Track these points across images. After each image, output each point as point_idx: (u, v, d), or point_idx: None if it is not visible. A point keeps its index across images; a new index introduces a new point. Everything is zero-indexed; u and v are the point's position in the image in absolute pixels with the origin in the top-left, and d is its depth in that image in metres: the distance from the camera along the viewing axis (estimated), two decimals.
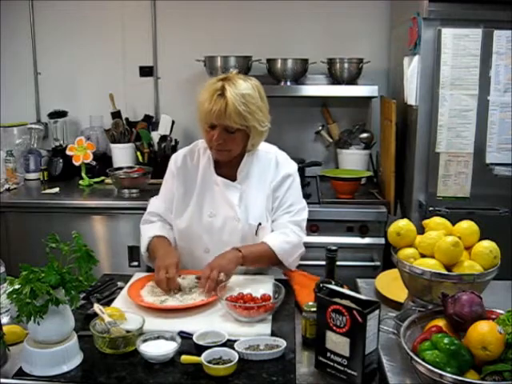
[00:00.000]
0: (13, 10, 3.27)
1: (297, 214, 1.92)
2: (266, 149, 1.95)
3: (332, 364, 1.29)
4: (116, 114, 3.19)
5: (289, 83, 2.97)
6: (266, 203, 1.89)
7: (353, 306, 1.25)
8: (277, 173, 1.92)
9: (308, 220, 2.69)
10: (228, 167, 1.89)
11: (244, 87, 1.75)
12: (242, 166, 1.88)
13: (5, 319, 1.51)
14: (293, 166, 1.97)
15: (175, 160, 1.97)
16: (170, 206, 1.94)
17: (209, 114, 1.73)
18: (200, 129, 1.84)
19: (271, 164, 1.92)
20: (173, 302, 1.61)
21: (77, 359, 1.32)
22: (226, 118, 1.72)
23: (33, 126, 3.22)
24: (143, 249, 1.91)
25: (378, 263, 2.58)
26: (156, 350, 1.32)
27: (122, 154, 3.12)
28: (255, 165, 1.91)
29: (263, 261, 1.85)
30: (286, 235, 1.87)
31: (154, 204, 2.00)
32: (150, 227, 1.94)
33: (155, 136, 3.13)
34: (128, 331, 1.39)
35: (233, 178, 1.89)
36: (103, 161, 3.16)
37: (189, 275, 1.77)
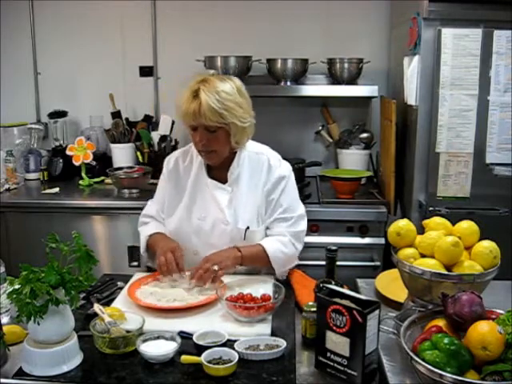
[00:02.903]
0: (13, 10, 3.27)
1: (295, 223, 1.89)
2: (257, 150, 1.93)
3: (332, 364, 1.29)
4: (116, 114, 3.20)
5: (289, 83, 2.97)
6: (258, 208, 1.87)
7: (353, 306, 1.25)
8: (269, 176, 1.88)
9: (308, 220, 2.69)
10: (220, 169, 1.88)
11: (219, 85, 1.75)
12: (232, 168, 1.87)
13: (5, 319, 1.51)
14: (286, 168, 1.93)
15: (167, 162, 2.00)
16: (162, 208, 1.97)
17: (186, 115, 1.75)
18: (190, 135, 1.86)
19: (264, 167, 1.89)
20: (173, 302, 1.60)
21: (77, 359, 1.32)
22: (201, 117, 1.72)
23: (33, 125, 3.21)
24: (142, 249, 1.95)
25: (378, 263, 2.58)
26: (156, 349, 1.32)
27: (122, 154, 3.12)
28: (246, 167, 1.89)
29: (259, 262, 1.85)
30: (284, 245, 1.85)
31: (148, 206, 2.04)
32: (145, 228, 1.98)
33: (155, 136, 3.13)
34: (128, 331, 1.39)
35: (224, 181, 1.88)
36: (103, 161, 3.16)
37: (187, 273, 1.77)
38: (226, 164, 1.87)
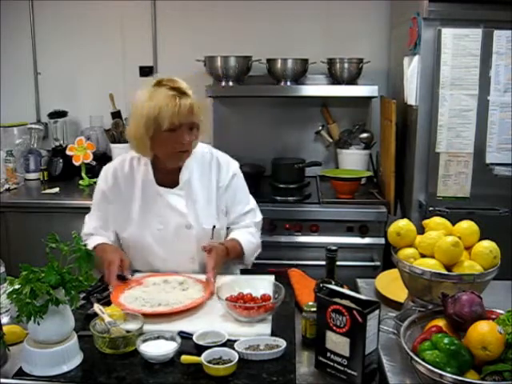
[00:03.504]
0: (13, 10, 3.27)
1: (255, 214, 2.01)
2: (200, 149, 1.93)
3: (332, 364, 1.29)
4: (116, 114, 3.19)
5: (289, 83, 2.97)
6: (217, 205, 1.91)
7: (353, 306, 1.25)
8: (222, 173, 1.93)
9: (308, 220, 2.70)
10: (166, 174, 1.86)
11: (186, 84, 1.79)
12: (183, 171, 1.86)
13: (5, 319, 1.51)
14: (236, 164, 2.00)
15: (105, 179, 1.92)
16: (105, 225, 1.90)
17: (175, 115, 1.70)
18: (145, 142, 1.76)
19: (212, 163, 1.93)
20: (157, 307, 1.56)
21: (77, 359, 1.32)
22: (193, 115, 1.74)
23: (33, 126, 3.22)
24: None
25: (378, 263, 2.58)
26: (156, 349, 1.32)
27: (122, 154, 3.12)
28: (195, 167, 1.90)
29: (235, 255, 1.89)
30: (252, 236, 1.96)
31: (88, 224, 1.95)
32: (89, 244, 1.85)
33: None
34: (128, 331, 1.39)
35: (173, 185, 1.87)
36: (103, 161, 3.15)
37: (171, 276, 1.75)
38: (173, 168, 1.86)
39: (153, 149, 1.79)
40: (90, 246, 1.75)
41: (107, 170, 1.94)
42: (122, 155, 1.99)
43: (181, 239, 1.85)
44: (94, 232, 1.91)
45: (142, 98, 1.75)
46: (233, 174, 1.95)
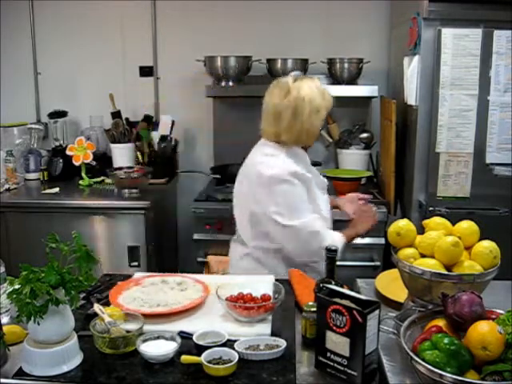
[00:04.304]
0: (13, 10, 3.27)
1: None
2: None
3: (332, 364, 1.29)
4: (116, 114, 3.20)
5: None
6: None
7: (353, 306, 1.25)
8: None
9: None
10: None
11: None
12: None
13: (5, 319, 1.51)
14: None
15: (294, 175, 1.95)
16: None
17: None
18: (318, 133, 2.01)
19: None
20: (156, 307, 1.56)
21: (77, 359, 1.32)
22: None
23: (33, 125, 3.22)
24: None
25: (378, 263, 2.58)
26: (156, 349, 1.32)
27: (122, 154, 3.12)
28: None
29: None
30: None
31: (318, 221, 2.02)
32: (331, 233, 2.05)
33: (155, 136, 3.13)
34: (128, 331, 1.39)
35: None
36: (103, 161, 3.16)
37: (170, 277, 1.75)
38: None
39: None
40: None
41: (294, 168, 1.97)
42: (275, 156, 2.00)
43: (331, 218, 2.10)
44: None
45: (317, 98, 1.95)
46: None
